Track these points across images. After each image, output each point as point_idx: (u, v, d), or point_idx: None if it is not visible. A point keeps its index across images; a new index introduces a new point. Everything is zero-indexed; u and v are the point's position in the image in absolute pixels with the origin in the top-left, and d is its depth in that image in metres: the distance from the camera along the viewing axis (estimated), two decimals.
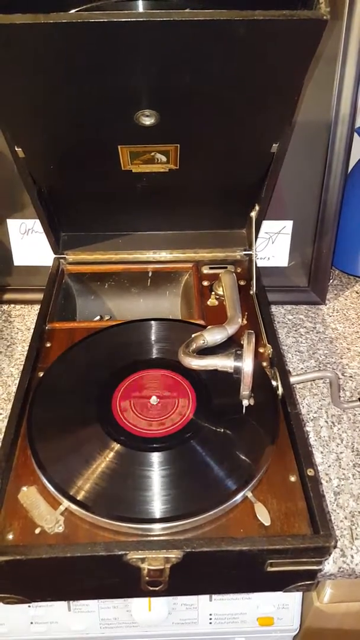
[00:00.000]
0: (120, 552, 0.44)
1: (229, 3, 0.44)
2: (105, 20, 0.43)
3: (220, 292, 0.72)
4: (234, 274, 0.72)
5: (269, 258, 0.84)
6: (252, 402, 0.56)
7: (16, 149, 0.60)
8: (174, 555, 0.44)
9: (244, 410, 0.55)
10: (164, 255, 0.79)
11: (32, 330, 0.68)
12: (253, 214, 0.74)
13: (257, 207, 0.73)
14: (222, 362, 0.57)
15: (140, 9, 0.53)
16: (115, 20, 0.43)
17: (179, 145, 0.60)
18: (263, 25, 0.44)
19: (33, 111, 0.55)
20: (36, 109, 0.55)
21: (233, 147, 0.63)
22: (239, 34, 0.44)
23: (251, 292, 0.73)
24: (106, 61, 0.48)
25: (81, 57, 0.48)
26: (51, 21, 0.43)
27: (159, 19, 0.43)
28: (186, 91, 0.52)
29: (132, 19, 0.43)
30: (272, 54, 0.48)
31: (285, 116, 0.59)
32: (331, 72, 0.71)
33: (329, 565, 0.53)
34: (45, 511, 0.48)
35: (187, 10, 0.43)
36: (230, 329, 0.63)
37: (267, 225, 0.81)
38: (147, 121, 0.55)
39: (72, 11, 0.51)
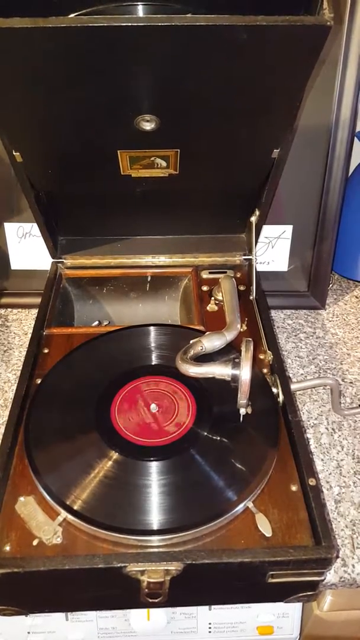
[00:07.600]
0: (119, 565, 0.43)
1: (231, 8, 0.43)
2: (106, 24, 0.42)
3: (219, 297, 0.72)
4: (233, 279, 0.71)
5: (268, 262, 0.84)
6: (249, 410, 0.55)
7: (14, 153, 0.60)
8: (174, 567, 0.43)
9: (241, 419, 0.55)
10: (163, 259, 0.78)
11: (29, 335, 0.68)
12: (253, 219, 0.73)
13: (257, 212, 0.73)
14: (220, 370, 0.56)
15: (140, 13, 0.52)
16: (115, 24, 0.43)
17: (179, 150, 0.60)
18: (266, 31, 0.43)
19: (31, 116, 0.55)
20: (34, 113, 0.54)
21: (233, 152, 0.63)
22: (241, 39, 0.44)
23: (251, 298, 0.73)
24: (106, 66, 0.47)
25: (81, 62, 0.47)
26: (50, 25, 0.42)
27: (160, 24, 0.43)
28: (187, 96, 0.52)
29: (132, 24, 0.43)
30: (274, 59, 0.48)
31: (286, 122, 0.58)
32: (332, 76, 0.71)
33: (330, 575, 0.52)
34: (43, 522, 0.47)
35: (188, 15, 0.42)
36: (229, 335, 0.62)
37: (267, 230, 0.81)
38: (147, 126, 0.55)
39: (72, 15, 0.50)
